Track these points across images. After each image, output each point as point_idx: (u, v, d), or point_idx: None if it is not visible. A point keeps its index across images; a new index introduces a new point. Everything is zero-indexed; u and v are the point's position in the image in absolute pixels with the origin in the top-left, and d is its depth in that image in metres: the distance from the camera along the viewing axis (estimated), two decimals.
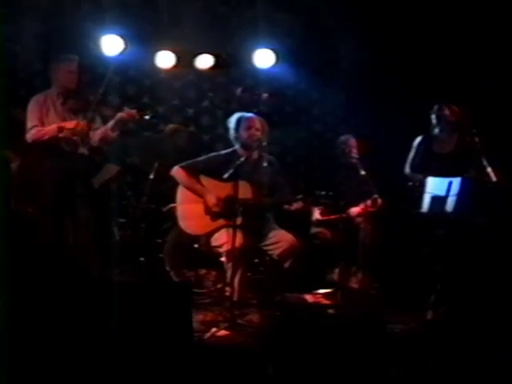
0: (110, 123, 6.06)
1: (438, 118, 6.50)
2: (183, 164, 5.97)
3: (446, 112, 6.44)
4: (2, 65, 5.26)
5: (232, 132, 6.06)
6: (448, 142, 6.50)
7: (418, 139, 6.66)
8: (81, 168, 6.05)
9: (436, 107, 6.51)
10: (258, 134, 5.93)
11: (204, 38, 7.61)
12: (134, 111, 6.10)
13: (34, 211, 6.04)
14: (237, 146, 6.04)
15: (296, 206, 5.83)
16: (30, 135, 5.95)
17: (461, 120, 6.36)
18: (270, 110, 7.15)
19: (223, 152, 6.13)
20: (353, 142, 7.03)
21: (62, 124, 5.95)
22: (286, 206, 5.90)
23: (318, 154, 8.41)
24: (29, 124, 5.98)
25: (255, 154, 6.01)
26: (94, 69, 7.14)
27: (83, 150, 6.09)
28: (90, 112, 6.01)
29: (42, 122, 5.99)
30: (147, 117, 6.41)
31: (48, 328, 3.95)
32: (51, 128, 5.93)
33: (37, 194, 6.01)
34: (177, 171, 5.96)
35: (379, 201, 6.51)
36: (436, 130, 6.54)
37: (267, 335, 4.76)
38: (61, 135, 5.92)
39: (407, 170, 6.66)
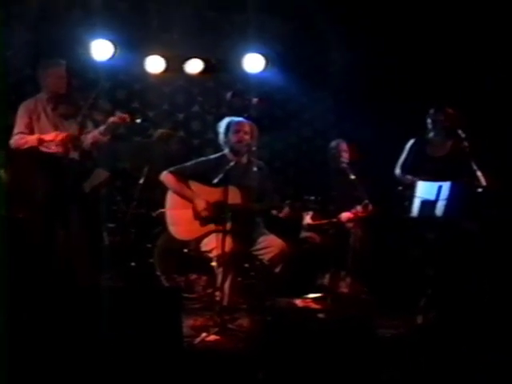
0: (101, 127, 6.05)
1: (433, 122, 6.49)
2: (172, 169, 5.95)
3: (441, 117, 6.43)
4: (1, 67, 5.25)
5: (221, 136, 6.05)
6: (442, 146, 6.50)
7: (411, 142, 6.64)
8: (71, 173, 6.03)
9: (432, 111, 6.50)
10: (247, 137, 5.93)
11: (193, 43, 7.62)
12: (125, 115, 6.10)
13: (24, 216, 6.02)
14: (226, 151, 6.03)
15: (285, 212, 5.81)
16: (13, 141, 5.95)
17: (455, 125, 6.33)
18: (259, 114, 7.15)
19: (212, 157, 6.12)
20: (343, 146, 7.04)
21: (42, 136, 5.93)
22: (275, 212, 5.90)
23: (307, 159, 8.43)
24: (15, 130, 5.97)
25: (244, 159, 6.00)
26: (84, 74, 7.15)
27: (74, 155, 6.08)
28: (81, 117, 6.00)
29: (30, 128, 5.98)
30: (138, 120, 6.42)
31: (38, 333, 3.93)
32: (31, 138, 5.92)
33: (28, 199, 5.99)
34: (166, 176, 5.95)
35: (370, 206, 6.52)
36: (431, 134, 6.54)
37: (258, 340, 4.76)
38: (43, 147, 5.93)
39: (397, 171, 6.65)
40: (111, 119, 6.01)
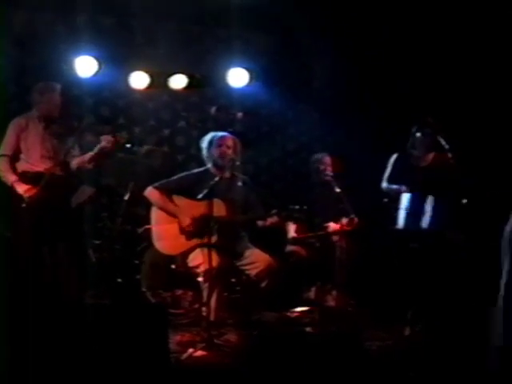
0: (88, 155, 6.00)
1: (418, 138, 6.51)
2: (156, 184, 5.94)
3: (420, 135, 6.45)
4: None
5: (205, 151, 6.06)
6: (425, 157, 6.54)
7: (394, 156, 6.66)
8: (58, 188, 5.97)
9: (414, 129, 6.51)
10: (230, 151, 5.93)
11: (177, 59, 7.64)
12: (112, 138, 6.02)
13: (11, 234, 5.98)
14: (209, 165, 6.04)
15: (271, 220, 5.83)
16: None
17: (437, 133, 6.32)
18: (244, 129, 7.17)
19: (195, 171, 6.13)
20: (327, 159, 7.06)
21: (15, 185, 5.81)
22: (261, 222, 5.90)
23: (292, 173, 8.44)
24: (1, 149, 5.92)
25: (227, 174, 6.00)
26: (68, 90, 7.13)
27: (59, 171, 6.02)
28: (72, 138, 5.97)
29: (14, 149, 5.91)
30: (128, 145, 6.43)
31: (24, 351, 3.91)
32: (9, 177, 5.86)
33: (14, 217, 5.94)
34: (150, 192, 5.94)
35: (355, 220, 6.54)
36: (414, 150, 6.56)
37: (245, 355, 4.75)
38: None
39: (384, 184, 6.65)
40: (99, 145, 5.94)
